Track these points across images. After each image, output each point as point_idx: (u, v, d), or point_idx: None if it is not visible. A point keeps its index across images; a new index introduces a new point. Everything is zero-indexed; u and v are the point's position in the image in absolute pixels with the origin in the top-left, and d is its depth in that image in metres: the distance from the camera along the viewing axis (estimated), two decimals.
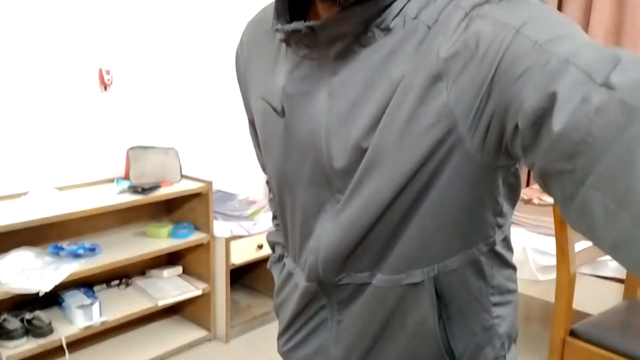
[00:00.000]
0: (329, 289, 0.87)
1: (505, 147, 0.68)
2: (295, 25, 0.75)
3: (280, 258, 1.04)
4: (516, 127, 0.63)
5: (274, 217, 1.08)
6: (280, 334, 1.05)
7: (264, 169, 1.00)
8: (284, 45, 0.83)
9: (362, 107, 0.75)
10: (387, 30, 0.73)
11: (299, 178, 0.85)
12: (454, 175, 0.72)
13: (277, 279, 1.05)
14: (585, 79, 0.56)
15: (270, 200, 1.08)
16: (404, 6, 0.72)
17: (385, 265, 0.81)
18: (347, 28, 0.74)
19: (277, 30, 0.79)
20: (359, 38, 0.74)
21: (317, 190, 0.83)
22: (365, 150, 0.75)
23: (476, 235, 0.80)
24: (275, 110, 0.85)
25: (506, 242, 0.86)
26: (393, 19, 0.72)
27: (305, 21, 0.75)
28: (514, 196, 0.82)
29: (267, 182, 1.01)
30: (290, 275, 0.97)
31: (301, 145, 0.82)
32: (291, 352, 1.01)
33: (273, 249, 1.09)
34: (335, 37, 0.75)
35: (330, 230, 0.82)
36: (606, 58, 0.57)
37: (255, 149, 1.04)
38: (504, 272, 0.86)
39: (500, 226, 0.82)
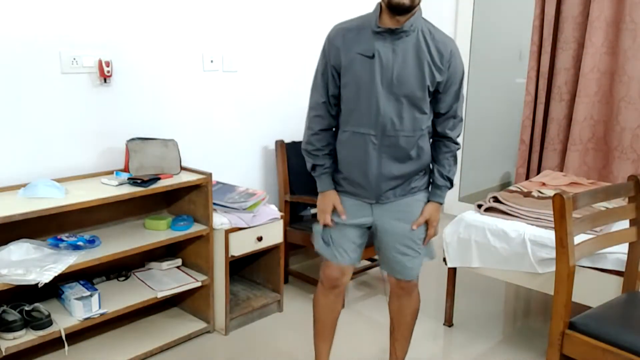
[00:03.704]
0: (383, 137, 2.05)
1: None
2: (390, 27, 1.97)
3: (328, 144, 2.19)
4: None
5: (320, 130, 2.18)
6: (340, 169, 2.19)
7: (324, 97, 2.15)
8: (370, 33, 2.00)
9: (405, 58, 2.00)
10: (414, 31, 2.00)
11: (378, 86, 2.00)
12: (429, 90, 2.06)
13: (343, 140, 2.13)
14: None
15: (315, 117, 2.18)
16: (416, 21, 1.99)
17: (409, 128, 2.06)
18: (405, 28, 1.97)
19: (379, 27, 1.98)
20: (407, 32, 1.98)
21: (385, 91, 2.01)
22: (406, 75, 2.00)
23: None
24: (368, 56, 2.00)
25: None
26: (415, 25, 2.00)
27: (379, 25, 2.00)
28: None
29: (322, 103, 2.15)
30: (357, 132, 2.08)
31: (380, 71, 2.00)
32: (349, 175, 2.15)
33: (319, 148, 2.19)
34: (400, 32, 1.97)
35: (389, 109, 2.02)
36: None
37: (316, 89, 2.16)
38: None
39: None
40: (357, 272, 3.53)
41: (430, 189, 2.23)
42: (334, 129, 2.20)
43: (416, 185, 2.17)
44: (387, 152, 2.07)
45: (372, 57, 1.99)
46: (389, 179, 2.10)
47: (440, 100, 2.10)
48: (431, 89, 2.04)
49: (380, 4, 2.01)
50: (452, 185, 2.22)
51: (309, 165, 2.24)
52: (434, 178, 2.21)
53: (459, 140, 2.23)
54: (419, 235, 2.20)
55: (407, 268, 2.23)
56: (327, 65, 2.11)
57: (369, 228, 2.24)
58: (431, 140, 2.20)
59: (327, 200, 2.20)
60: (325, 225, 2.23)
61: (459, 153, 4.99)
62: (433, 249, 2.29)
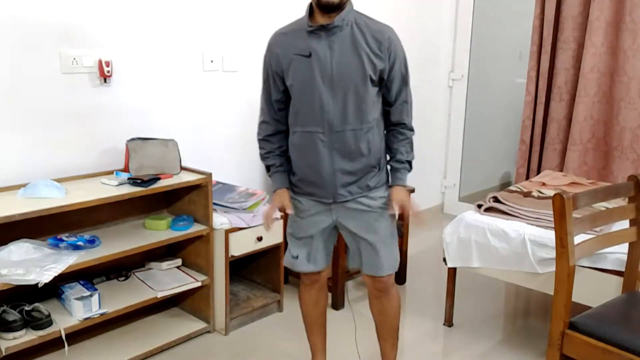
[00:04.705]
0: (331, 133, 2.07)
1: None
2: (322, 23, 2.00)
3: (279, 147, 2.23)
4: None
5: (269, 135, 2.24)
6: (294, 171, 2.21)
7: (266, 104, 2.21)
8: (305, 34, 2.04)
9: (342, 52, 2.02)
10: (348, 25, 2.03)
11: (319, 83, 2.03)
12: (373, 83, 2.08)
13: (294, 141, 2.16)
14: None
15: (263, 124, 2.25)
16: (347, 15, 2.02)
17: (356, 121, 2.08)
18: (337, 24, 2.01)
19: (311, 26, 2.02)
20: (341, 27, 2.02)
21: (327, 87, 2.04)
22: (345, 69, 2.02)
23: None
24: (305, 56, 2.03)
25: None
26: (347, 19, 2.02)
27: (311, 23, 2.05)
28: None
29: (267, 109, 2.22)
30: (305, 132, 2.10)
31: (318, 69, 2.03)
32: (303, 175, 2.17)
33: (269, 151, 2.25)
34: (333, 27, 2.01)
35: (334, 105, 2.05)
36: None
37: (262, 96, 2.22)
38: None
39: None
40: (357, 272, 3.52)
41: (390, 175, 2.25)
42: (283, 132, 2.23)
43: (370, 184, 2.16)
44: (337, 149, 2.09)
45: (309, 56, 2.03)
46: (342, 173, 2.11)
47: (389, 88, 2.12)
48: (374, 78, 2.05)
49: (310, 4, 2.05)
50: (411, 168, 2.23)
51: (266, 168, 2.31)
52: (392, 164, 2.22)
53: (413, 126, 2.23)
54: (384, 229, 2.21)
55: (380, 262, 2.22)
56: (268, 72, 2.16)
57: (335, 228, 2.27)
58: (386, 131, 2.22)
59: (276, 197, 2.24)
60: (288, 228, 2.31)
61: (459, 152, 5.08)
62: (396, 260, 2.28)
